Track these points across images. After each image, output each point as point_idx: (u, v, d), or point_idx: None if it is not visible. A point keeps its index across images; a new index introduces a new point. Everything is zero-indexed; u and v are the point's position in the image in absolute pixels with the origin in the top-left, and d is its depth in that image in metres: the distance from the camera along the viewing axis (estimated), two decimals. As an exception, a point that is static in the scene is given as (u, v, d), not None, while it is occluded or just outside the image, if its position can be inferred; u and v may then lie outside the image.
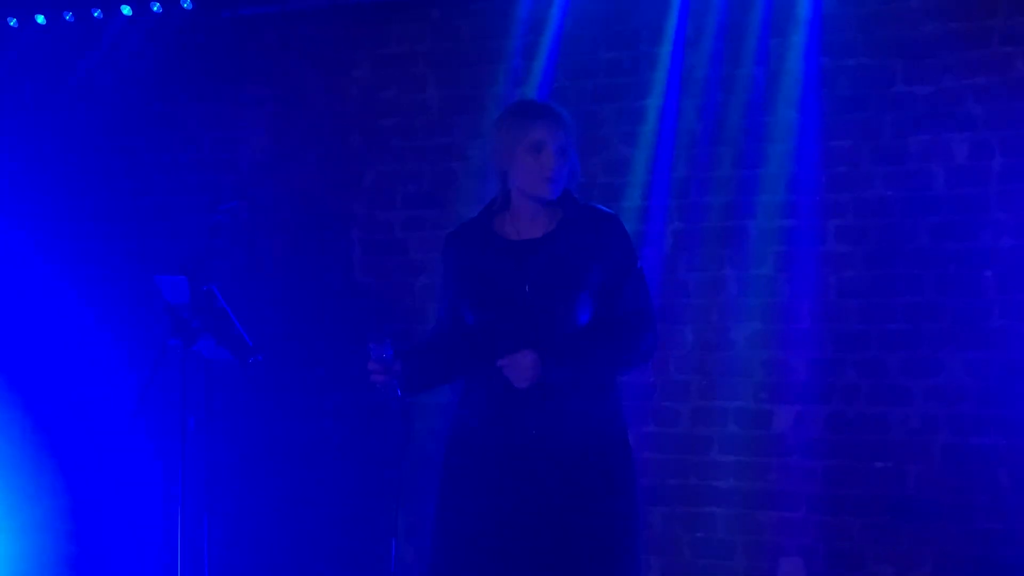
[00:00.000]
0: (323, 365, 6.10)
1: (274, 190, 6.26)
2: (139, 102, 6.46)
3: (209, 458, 3.90)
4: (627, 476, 3.71)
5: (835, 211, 5.34)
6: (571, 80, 5.75)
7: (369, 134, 6.14)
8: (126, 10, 6.28)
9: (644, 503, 5.53)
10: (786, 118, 5.41)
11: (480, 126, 5.90)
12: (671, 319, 5.57)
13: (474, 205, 5.80)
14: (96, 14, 6.34)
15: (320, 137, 6.22)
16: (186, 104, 6.43)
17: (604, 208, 3.83)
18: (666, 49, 5.58)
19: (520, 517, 3.57)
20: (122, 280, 6.40)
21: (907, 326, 5.22)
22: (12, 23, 6.50)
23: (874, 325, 5.27)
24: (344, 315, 6.12)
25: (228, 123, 6.38)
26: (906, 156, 5.24)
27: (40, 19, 6.44)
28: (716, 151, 5.53)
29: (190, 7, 6.17)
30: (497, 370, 3.56)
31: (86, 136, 6.54)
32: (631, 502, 3.69)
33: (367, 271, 6.13)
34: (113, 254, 6.48)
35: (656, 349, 3.79)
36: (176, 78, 6.41)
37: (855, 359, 5.30)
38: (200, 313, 3.73)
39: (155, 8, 6.23)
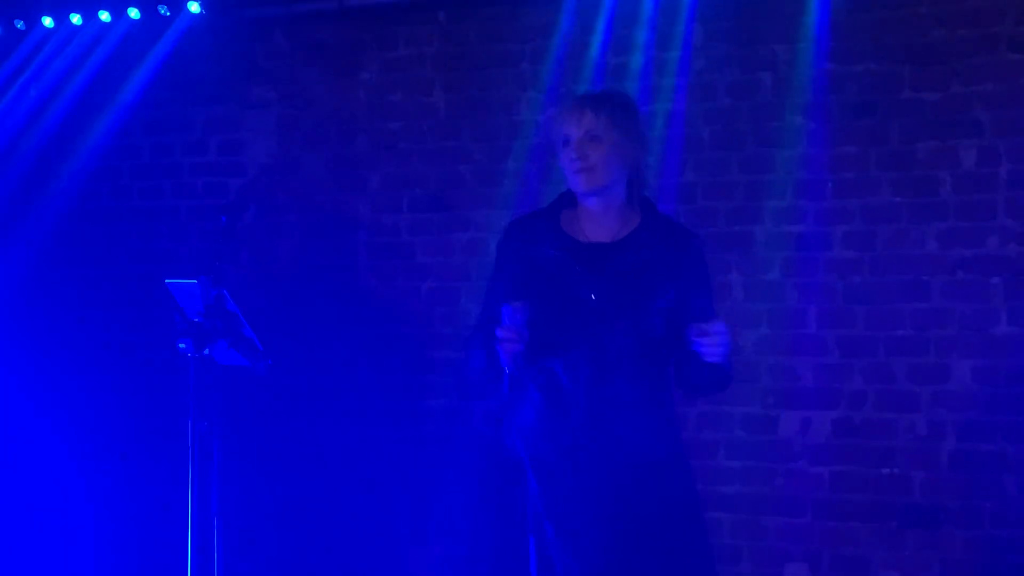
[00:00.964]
0: (329, 369, 6.10)
1: (281, 193, 6.26)
2: (146, 105, 6.46)
3: (219, 463, 3.89)
4: (689, 492, 3.60)
5: (842, 217, 5.34)
6: (578, 85, 5.75)
7: (376, 137, 6.14)
8: (133, 13, 6.29)
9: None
10: (794, 124, 5.41)
11: (487, 130, 5.91)
12: (678, 324, 5.57)
13: (481, 208, 5.86)
14: (103, 17, 6.34)
15: (327, 140, 6.23)
16: (193, 107, 6.43)
17: (687, 226, 3.67)
18: (674, 54, 5.59)
19: (576, 536, 3.43)
20: (130, 284, 6.41)
21: (914, 332, 5.22)
22: (19, 25, 6.51)
23: (881, 331, 5.27)
24: (350, 319, 6.12)
25: (235, 126, 6.37)
26: (914, 162, 5.25)
27: (47, 22, 6.44)
28: (723, 156, 5.53)
29: (198, 10, 6.17)
30: (546, 380, 3.43)
31: (93, 139, 6.55)
32: (696, 516, 3.59)
33: (373, 274, 6.13)
34: (120, 257, 6.48)
35: (731, 379, 3.63)
36: (182, 81, 6.41)
37: (862, 365, 5.30)
38: (211, 317, 3.73)
39: (162, 11, 6.23)
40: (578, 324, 3.44)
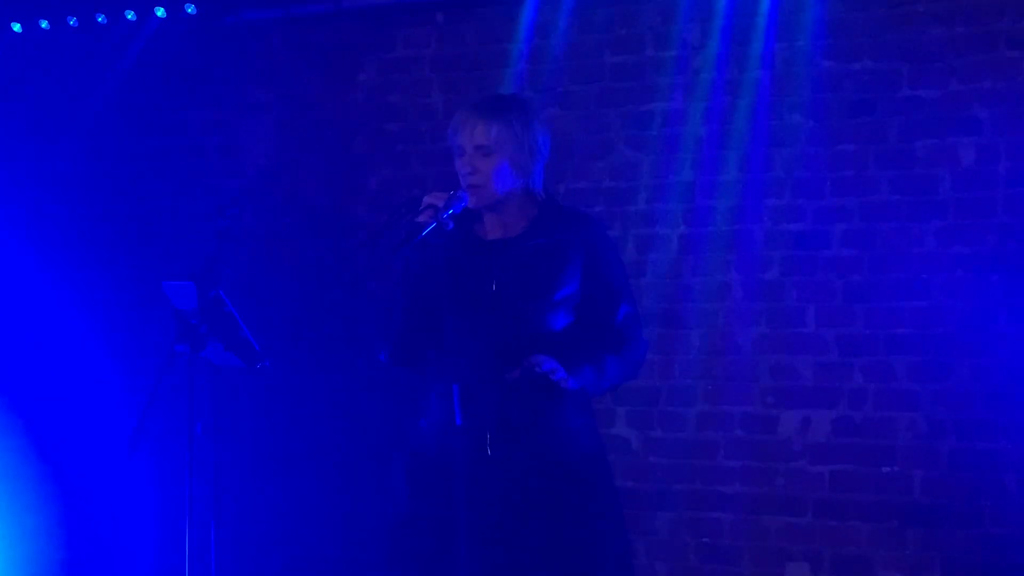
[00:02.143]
0: (328, 370, 6.09)
1: (279, 195, 6.26)
2: (143, 107, 6.47)
3: (216, 464, 3.89)
4: (602, 490, 3.54)
5: (841, 215, 5.33)
6: (576, 84, 5.75)
7: (374, 139, 6.14)
8: (130, 15, 6.28)
9: (649, 508, 5.56)
10: (792, 122, 5.40)
11: (485, 131, 5.90)
12: (677, 323, 5.57)
13: (479, 210, 5.85)
14: (100, 19, 6.34)
15: (325, 142, 6.22)
16: (190, 109, 6.43)
17: (583, 210, 3.70)
18: (672, 53, 5.58)
19: (481, 536, 3.42)
20: (128, 286, 6.41)
21: (914, 331, 5.21)
22: (16, 28, 6.50)
23: (880, 330, 5.26)
24: (348, 320, 6.11)
25: (233, 128, 6.38)
26: (912, 160, 5.24)
27: (44, 24, 6.44)
28: (722, 155, 5.52)
29: (194, 12, 6.17)
30: (453, 376, 3.45)
31: (90, 142, 6.55)
32: (607, 516, 3.53)
33: (371, 275, 6.11)
34: (118, 260, 6.48)
35: (644, 360, 3.64)
36: (180, 83, 6.42)
37: (861, 364, 5.29)
38: (208, 319, 3.73)
39: (159, 13, 6.22)
40: (480, 317, 3.46)
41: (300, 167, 6.25)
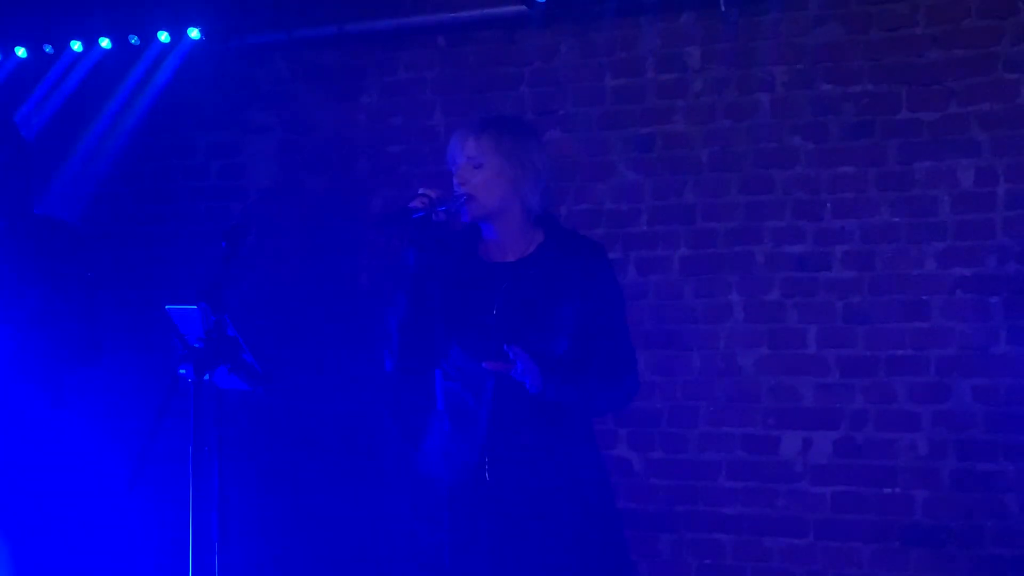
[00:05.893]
0: (331, 392, 6.10)
1: (282, 217, 6.28)
2: (147, 131, 6.49)
3: (220, 487, 3.90)
4: (604, 516, 3.57)
5: (841, 237, 5.35)
6: (578, 107, 5.78)
7: (377, 160, 6.17)
8: (134, 40, 6.32)
9: (652, 529, 5.57)
10: (792, 144, 5.43)
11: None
12: (678, 345, 5.58)
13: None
14: (104, 44, 6.37)
15: (328, 164, 6.25)
16: (194, 132, 6.46)
17: (589, 238, 3.70)
18: (673, 76, 5.61)
19: (482, 560, 3.46)
20: (130, 309, 6.42)
21: (914, 352, 5.23)
22: (21, 53, 6.54)
23: (881, 351, 5.28)
24: (352, 342, 6.13)
25: (236, 150, 6.41)
26: (912, 182, 5.26)
27: (48, 49, 6.47)
28: (723, 177, 5.55)
29: (198, 37, 6.20)
30: (452, 401, 3.49)
31: (93, 165, 6.57)
32: (610, 542, 3.55)
33: (375, 298, 6.14)
34: (121, 282, 6.49)
35: (634, 395, 3.65)
36: (183, 106, 6.44)
37: (862, 385, 5.31)
38: (212, 342, 3.73)
39: (163, 38, 6.26)
40: (480, 342, 3.47)
41: (303, 189, 6.28)
